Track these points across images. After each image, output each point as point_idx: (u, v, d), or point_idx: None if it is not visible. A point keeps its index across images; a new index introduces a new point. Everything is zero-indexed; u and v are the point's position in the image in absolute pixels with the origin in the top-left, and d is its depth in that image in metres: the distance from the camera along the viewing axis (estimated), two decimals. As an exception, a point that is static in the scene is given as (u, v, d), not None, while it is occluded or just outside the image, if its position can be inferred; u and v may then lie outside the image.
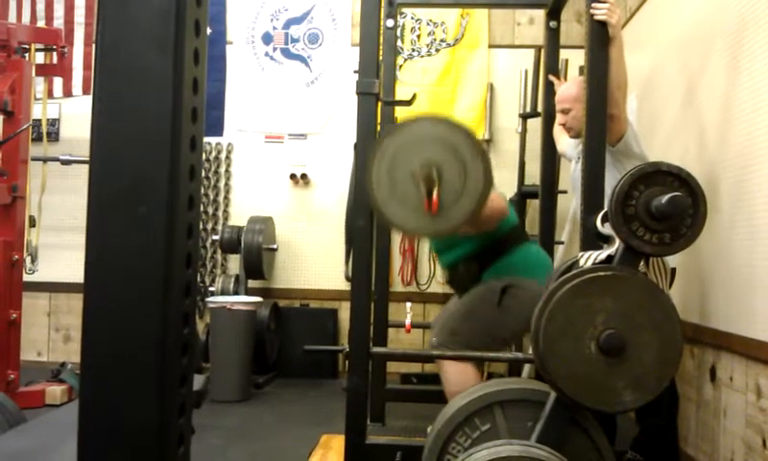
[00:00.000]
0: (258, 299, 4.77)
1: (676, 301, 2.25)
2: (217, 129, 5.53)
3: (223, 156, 5.56)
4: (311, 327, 5.26)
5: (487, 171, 2.28)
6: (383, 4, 3.07)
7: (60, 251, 5.35)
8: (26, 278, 4.17)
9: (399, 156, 2.29)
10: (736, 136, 2.87)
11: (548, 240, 3.29)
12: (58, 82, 5.49)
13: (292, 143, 5.54)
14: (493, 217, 2.81)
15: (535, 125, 4.26)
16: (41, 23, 5.52)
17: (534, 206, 4.65)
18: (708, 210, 1.92)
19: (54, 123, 5.58)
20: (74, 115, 5.59)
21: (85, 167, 1.31)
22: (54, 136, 5.56)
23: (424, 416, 3.41)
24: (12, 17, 5.60)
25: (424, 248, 5.29)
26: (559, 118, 3.16)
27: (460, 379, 2.72)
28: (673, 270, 3.02)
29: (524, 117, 4.90)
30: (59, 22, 5.57)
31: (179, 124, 0.96)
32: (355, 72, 2.62)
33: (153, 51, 0.95)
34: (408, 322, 3.62)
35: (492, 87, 5.38)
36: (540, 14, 4.53)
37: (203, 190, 5.31)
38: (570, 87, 3.14)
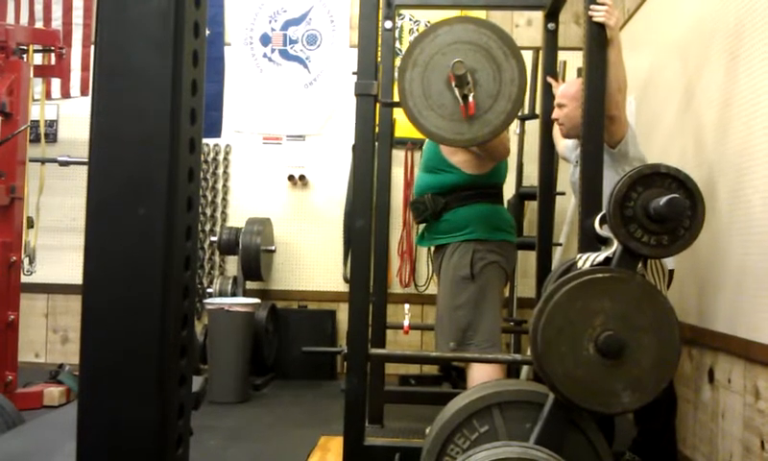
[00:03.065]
0: (256, 300, 4.77)
1: (674, 302, 2.25)
2: (215, 130, 5.53)
3: (221, 157, 5.56)
4: (309, 329, 5.25)
5: (521, 72, 2.27)
6: (381, 5, 3.07)
7: (58, 252, 5.34)
8: (24, 279, 4.16)
9: (432, 62, 2.27)
10: (734, 138, 2.87)
11: (546, 242, 3.29)
12: (56, 83, 5.48)
13: (290, 144, 5.54)
14: (501, 152, 2.93)
15: (533, 127, 4.26)
16: (39, 24, 5.51)
17: (532, 207, 4.66)
18: (705, 212, 1.93)
19: (52, 124, 5.57)
20: (72, 116, 5.58)
21: (83, 168, 1.30)
22: (52, 138, 5.56)
23: (423, 417, 3.41)
24: (11, 18, 5.59)
25: (423, 250, 5.29)
26: (554, 112, 3.18)
27: (488, 376, 2.82)
28: (671, 272, 3.03)
29: (522, 119, 4.90)
30: (57, 23, 5.56)
31: (177, 125, 0.96)
32: (354, 73, 2.62)
33: (151, 52, 0.95)
34: (406, 323, 3.61)
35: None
36: (538, 16, 4.53)
37: (201, 191, 5.27)
38: (570, 85, 3.15)
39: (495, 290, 3.04)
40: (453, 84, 2.26)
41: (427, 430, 2.25)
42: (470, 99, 2.24)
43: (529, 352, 2.10)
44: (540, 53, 3.45)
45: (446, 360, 2.86)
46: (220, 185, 5.56)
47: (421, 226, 3.28)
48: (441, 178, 3.09)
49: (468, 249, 2.96)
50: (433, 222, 3.11)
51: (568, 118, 3.07)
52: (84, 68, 5.60)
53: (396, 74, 2.87)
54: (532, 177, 4.39)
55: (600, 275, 1.94)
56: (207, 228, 5.52)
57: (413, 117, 2.33)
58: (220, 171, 5.56)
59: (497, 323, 3.02)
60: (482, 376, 2.84)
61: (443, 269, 3.07)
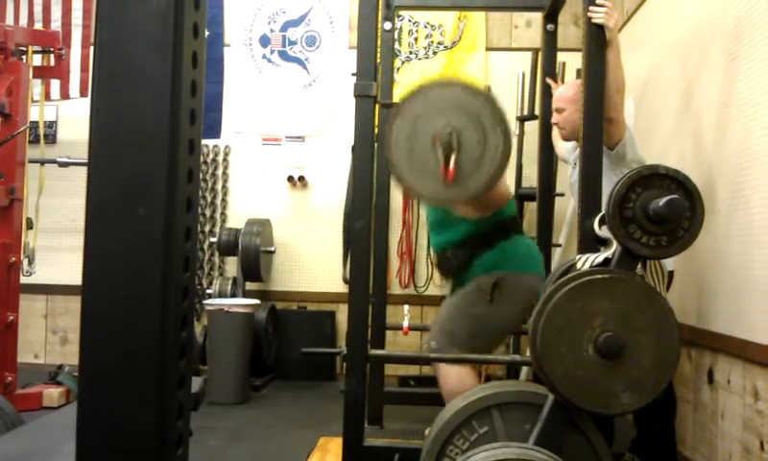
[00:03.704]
0: (256, 301, 4.77)
1: (673, 303, 2.25)
2: (215, 131, 5.53)
3: (220, 158, 5.56)
4: (309, 330, 5.25)
5: (506, 143, 2.27)
6: (380, 6, 3.07)
7: (57, 253, 5.34)
8: (23, 280, 4.16)
9: (420, 118, 2.27)
10: (733, 139, 2.87)
11: (546, 243, 3.30)
12: (55, 84, 5.48)
13: (289, 145, 5.54)
14: (496, 201, 2.84)
15: (532, 128, 4.26)
16: (39, 25, 5.51)
17: (531, 208, 4.66)
18: (705, 213, 1.93)
19: (51, 125, 5.57)
20: (71, 117, 5.58)
21: (83, 169, 1.30)
22: (51, 139, 5.56)
23: (422, 418, 3.41)
24: (10, 19, 5.59)
25: (422, 250, 5.29)
26: (553, 117, 3.18)
27: (457, 382, 2.73)
28: (671, 273, 3.03)
29: (521, 120, 4.91)
30: (56, 24, 5.56)
31: (177, 126, 0.97)
32: (353, 75, 2.62)
33: (151, 53, 0.96)
34: (406, 324, 3.62)
35: (489, 90, 5.38)
36: (537, 17, 4.53)
37: (200, 192, 5.29)
38: (568, 89, 3.15)
39: (505, 320, 2.93)
40: (437, 144, 2.26)
41: (427, 431, 2.25)
42: (452, 164, 2.24)
43: (528, 353, 2.10)
44: (540, 54, 3.46)
45: (446, 362, 2.85)
46: (219, 186, 5.56)
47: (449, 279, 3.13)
48: (455, 231, 2.97)
49: (497, 276, 2.84)
50: (462, 273, 2.97)
51: (568, 122, 3.06)
52: (84, 69, 5.60)
53: (395, 76, 2.87)
54: (531, 178, 4.39)
55: (599, 276, 1.94)
56: (207, 228, 5.52)
57: (394, 170, 2.33)
58: (219, 172, 5.56)
59: (486, 351, 2.90)
60: (453, 387, 2.73)
61: (467, 284, 2.95)
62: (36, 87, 4.72)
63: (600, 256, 2.06)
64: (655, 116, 3.90)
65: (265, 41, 5.59)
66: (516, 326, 3.10)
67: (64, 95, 5.58)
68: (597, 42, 2.38)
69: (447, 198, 2.37)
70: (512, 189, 4.80)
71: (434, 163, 2.25)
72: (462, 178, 2.26)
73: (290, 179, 5.47)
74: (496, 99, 2.33)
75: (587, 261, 2.10)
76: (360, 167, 2.59)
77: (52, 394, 4.14)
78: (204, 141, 5.35)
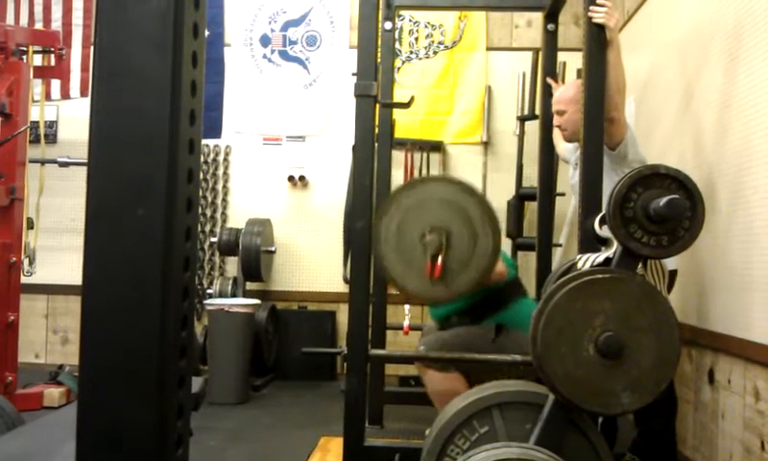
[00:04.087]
0: (256, 301, 4.77)
1: (674, 303, 2.25)
2: (215, 131, 5.53)
3: (221, 158, 5.56)
4: (309, 330, 5.25)
5: (495, 247, 2.26)
6: (381, 6, 3.07)
7: (57, 253, 5.34)
8: (24, 279, 4.16)
9: (411, 213, 2.27)
10: (734, 138, 2.87)
11: (546, 242, 3.29)
12: (55, 84, 5.48)
13: (290, 145, 5.54)
14: (495, 279, 2.79)
15: (533, 127, 4.26)
16: (39, 25, 5.51)
17: (532, 208, 4.66)
18: (705, 212, 1.93)
19: (52, 125, 5.58)
20: (72, 117, 5.58)
21: (83, 169, 1.30)
22: (52, 138, 5.56)
23: (423, 418, 3.41)
24: (10, 19, 5.59)
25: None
26: (555, 120, 3.17)
27: (445, 386, 2.75)
28: (673, 272, 3.02)
29: (522, 120, 4.91)
30: (56, 24, 5.56)
31: (177, 126, 0.97)
32: (353, 74, 2.62)
33: (151, 53, 0.95)
34: (406, 324, 3.62)
35: (489, 90, 5.39)
36: (537, 17, 4.53)
37: (200, 192, 5.31)
38: (567, 90, 3.14)
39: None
40: (425, 241, 2.26)
41: (427, 431, 2.25)
42: (439, 262, 2.24)
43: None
44: (540, 54, 3.46)
45: (446, 362, 2.85)
46: (220, 186, 5.56)
47: None
48: (456, 304, 2.94)
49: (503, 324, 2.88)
50: None
51: (570, 123, 3.05)
52: (84, 69, 5.60)
53: (395, 76, 2.87)
54: (532, 178, 4.39)
55: (600, 275, 1.94)
56: (207, 228, 5.52)
57: (381, 261, 2.33)
58: (220, 172, 5.56)
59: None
60: (437, 389, 2.77)
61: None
62: (37, 87, 4.72)
63: (601, 256, 2.06)
64: (655, 116, 3.90)
65: (265, 41, 5.59)
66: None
67: (65, 95, 5.58)
68: (598, 42, 2.38)
69: (433, 295, 2.37)
70: (512, 191, 4.81)
71: (421, 259, 2.25)
72: (449, 276, 2.26)
73: (290, 178, 5.48)
74: (486, 199, 2.33)
75: (587, 261, 2.10)
76: (361, 167, 2.59)
77: (52, 394, 4.14)
78: (204, 141, 5.35)
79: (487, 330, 2.88)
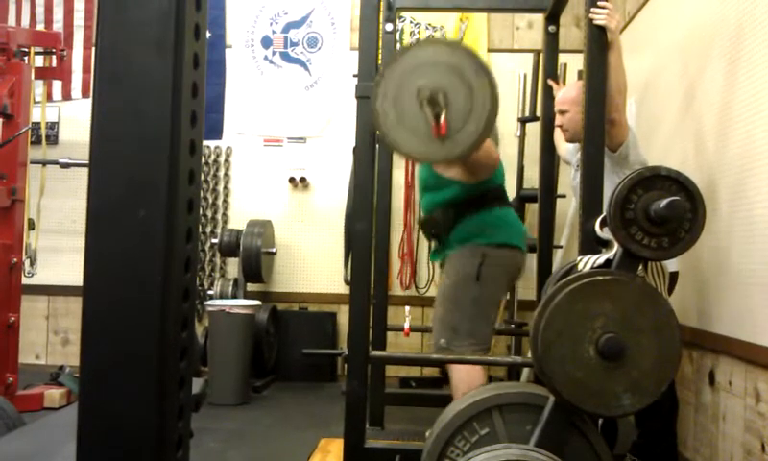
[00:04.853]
0: (257, 302, 4.77)
1: (674, 304, 2.25)
2: (216, 132, 5.54)
3: (222, 159, 5.56)
4: (310, 331, 5.25)
5: (493, 93, 2.29)
6: (382, 8, 3.07)
7: (58, 254, 5.34)
8: (25, 281, 4.17)
9: (405, 83, 2.29)
10: (735, 140, 2.87)
11: (547, 244, 3.29)
12: (57, 85, 5.49)
13: (291, 147, 5.55)
14: (488, 162, 2.93)
15: (534, 129, 4.26)
16: (41, 26, 5.52)
17: (533, 209, 4.66)
18: (706, 214, 1.93)
19: (53, 126, 5.58)
20: (73, 118, 5.59)
21: (84, 170, 1.30)
22: (53, 140, 5.56)
23: (423, 420, 3.41)
24: (12, 20, 5.60)
25: (423, 252, 5.28)
26: (557, 119, 3.18)
27: (470, 378, 2.82)
28: (674, 274, 3.02)
29: (523, 121, 4.91)
30: (58, 25, 5.57)
31: (178, 128, 0.97)
32: (354, 76, 2.62)
33: (152, 55, 0.96)
34: (407, 325, 3.61)
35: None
36: (539, 19, 4.54)
37: (201, 194, 5.31)
38: (570, 90, 3.15)
39: (496, 295, 3.05)
40: (425, 104, 2.29)
41: (427, 433, 2.25)
42: (442, 119, 2.27)
43: (529, 355, 2.10)
44: (541, 55, 3.46)
45: (446, 363, 2.87)
46: (221, 187, 5.56)
47: (433, 241, 3.26)
48: (444, 193, 3.07)
49: (477, 251, 2.96)
50: (445, 236, 3.09)
51: (572, 123, 3.06)
52: (86, 70, 5.61)
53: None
54: (533, 179, 4.38)
55: (600, 277, 1.94)
56: (208, 230, 5.53)
57: (386, 136, 2.34)
58: (221, 173, 5.56)
59: (490, 327, 3.02)
60: (462, 377, 2.84)
61: (448, 266, 3.06)
62: (38, 88, 4.73)
63: (601, 258, 2.06)
64: (656, 118, 3.90)
65: (267, 43, 5.60)
66: (505, 294, 3.23)
67: (66, 96, 5.59)
68: (599, 44, 2.38)
69: (443, 155, 2.40)
70: (512, 193, 4.81)
71: (425, 124, 2.28)
72: (453, 133, 2.29)
73: (291, 180, 5.48)
74: (478, 54, 2.37)
75: (588, 263, 2.10)
76: (361, 168, 2.59)
77: (53, 395, 4.14)
78: (205, 142, 5.35)
79: (467, 273, 2.95)
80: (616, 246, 1.99)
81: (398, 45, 5.14)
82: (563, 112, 3.12)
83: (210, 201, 5.54)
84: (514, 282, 3.24)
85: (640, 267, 2.01)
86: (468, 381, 2.78)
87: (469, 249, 2.99)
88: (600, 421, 2.14)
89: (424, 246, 5.26)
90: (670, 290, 3.02)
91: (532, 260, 3.48)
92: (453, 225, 3.05)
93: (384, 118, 2.30)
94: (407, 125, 2.30)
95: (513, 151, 5.05)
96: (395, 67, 2.30)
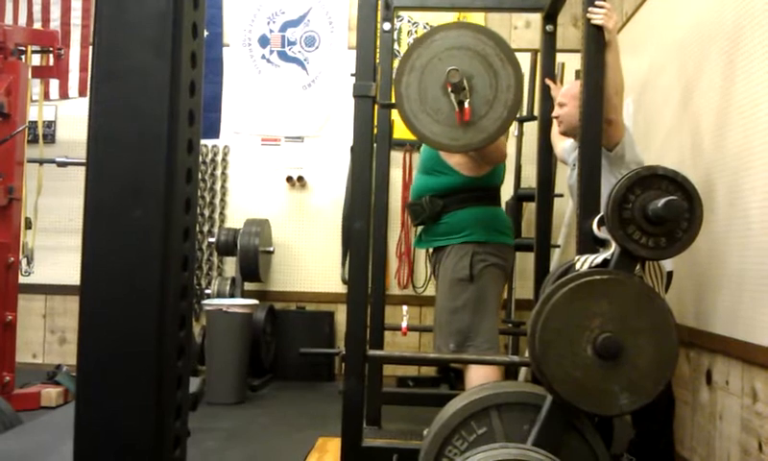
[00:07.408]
0: (254, 301, 4.77)
1: (672, 304, 2.25)
2: (214, 131, 5.53)
3: (219, 158, 5.56)
4: (307, 330, 5.25)
5: (518, 79, 2.28)
6: (380, 7, 3.07)
7: (55, 253, 5.34)
8: (22, 279, 4.16)
9: (429, 67, 2.29)
10: (732, 140, 2.87)
11: (544, 243, 3.29)
12: (54, 84, 5.48)
13: (288, 146, 5.54)
14: (497, 155, 2.95)
15: (531, 128, 4.26)
16: (38, 25, 5.50)
17: (530, 209, 4.66)
18: (703, 214, 1.93)
19: (50, 125, 5.57)
20: (70, 117, 5.58)
21: (82, 169, 1.30)
22: (50, 138, 5.55)
23: (421, 419, 3.41)
24: (9, 19, 5.59)
25: (421, 251, 5.28)
26: (554, 110, 3.19)
27: (489, 379, 2.83)
28: (670, 273, 3.03)
29: (520, 121, 4.91)
30: (55, 24, 5.56)
31: (175, 127, 0.97)
32: (352, 75, 2.62)
33: (150, 54, 0.95)
34: (404, 325, 3.61)
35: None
36: (536, 18, 4.52)
37: (199, 192, 5.32)
38: (574, 86, 3.15)
39: (494, 292, 3.06)
40: (449, 89, 2.27)
41: (425, 432, 2.25)
42: (466, 105, 2.25)
43: (527, 354, 2.10)
44: (539, 55, 3.45)
45: (444, 362, 2.88)
46: (218, 186, 5.55)
47: (419, 227, 3.28)
48: (438, 180, 3.09)
49: (467, 251, 2.97)
50: (431, 224, 3.11)
51: (567, 116, 3.08)
52: (83, 69, 5.59)
53: (394, 76, 2.88)
54: (530, 178, 4.38)
55: (598, 277, 1.94)
56: (206, 229, 5.52)
57: (408, 121, 2.34)
58: (218, 172, 5.56)
59: (496, 324, 3.05)
60: (480, 377, 2.85)
61: (441, 271, 3.08)
62: (35, 87, 4.72)
63: (599, 257, 2.07)
64: (654, 117, 3.90)
65: (264, 42, 5.59)
66: (503, 286, 3.24)
67: (63, 95, 5.58)
68: (596, 43, 2.38)
69: (466, 142, 2.39)
70: (510, 192, 4.82)
71: (448, 109, 2.27)
72: (477, 119, 2.28)
73: (289, 179, 5.47)
74: (503, 38, 2.35)
75: (585, 262, 2.10)
76: (359, 168, 2.59)
77: (50, 394, 4.13)
78: (202, 141, 5.34)
79: (461, 281, 2.96)
80: (614, 245, 2.00)
81: (396, 45, 5.14)
82: (561, 105, 3.14)
83: (208, 200, 5.54)
84: (507, 276, 3.26)
85: (638, 267, 2.01)
86: (485, 379, 2.80)
87: (456, 248, 3.00)
88: (596, 419, 2.14)
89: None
90: (665, 290, 3.03)
91: (530, 260, 3.48)
92: (440, 214, 3.07)
93: (407, 102, 2.29)
94: (430, 109, 2.29)
95: (510, 150, 5.03)
96: (420, 50, 2.29)
